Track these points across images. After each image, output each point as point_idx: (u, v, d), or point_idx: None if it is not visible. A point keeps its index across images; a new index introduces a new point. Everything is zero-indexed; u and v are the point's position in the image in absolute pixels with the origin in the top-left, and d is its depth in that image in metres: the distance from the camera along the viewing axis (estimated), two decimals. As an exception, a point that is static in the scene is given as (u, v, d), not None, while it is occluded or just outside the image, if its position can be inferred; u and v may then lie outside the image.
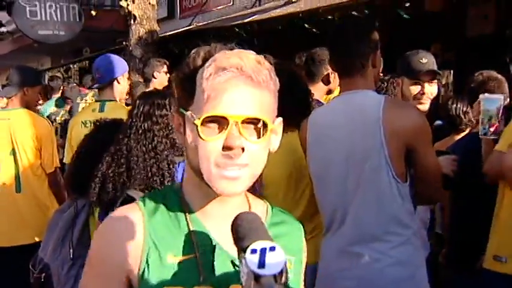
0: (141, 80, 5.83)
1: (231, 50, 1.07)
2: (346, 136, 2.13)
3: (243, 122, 1.02)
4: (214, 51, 1.07)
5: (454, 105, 3.50)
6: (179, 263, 1.08)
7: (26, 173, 3.75)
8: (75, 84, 8.48)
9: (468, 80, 3.28)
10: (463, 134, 3.45)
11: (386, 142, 2.02)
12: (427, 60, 2.75)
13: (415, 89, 2.78)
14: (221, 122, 1.03)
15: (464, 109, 3.47)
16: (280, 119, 1.13)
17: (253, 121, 1.04)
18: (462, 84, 3.41)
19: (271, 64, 1.08)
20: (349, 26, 2.36)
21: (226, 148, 1.01)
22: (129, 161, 2.12)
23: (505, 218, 2.49)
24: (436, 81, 2.81)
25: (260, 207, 1.21)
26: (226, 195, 1.06)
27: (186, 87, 1.08)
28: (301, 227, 1.26)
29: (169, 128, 2.17)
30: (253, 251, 0.90)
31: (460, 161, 2.72)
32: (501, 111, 2.54)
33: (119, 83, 3.87)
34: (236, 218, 0.99)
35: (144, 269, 1.07)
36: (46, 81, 8.62)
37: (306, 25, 6.24)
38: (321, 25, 5.98)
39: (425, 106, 2.78)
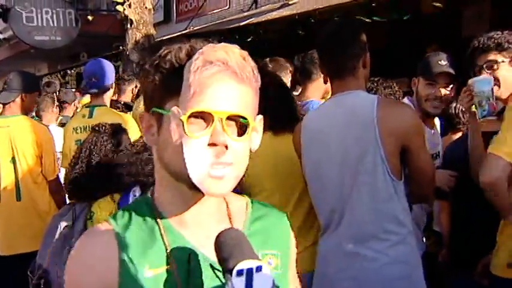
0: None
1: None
2: (340, 137, 2.13)
3: (227, 118, 0.99)
4: (196, 45, 1.04)
5: (454, 104, 3.48)
6: (156, 275, 1.04)
7: (26, 181, 3.72)
8: (70, 89, 8.45)
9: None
10: (460, 134, 3.45)
11: (381, 141, 2.03)
12: (446, 62, 2.74)
13: (428, 90, 2.77)
14: (206, 118, 1.00)
15: (463, 108, 3.45)
16: (261, 116, 1.09)
17: (236, 118, 1.01)
18: (460, 84, 3.40)
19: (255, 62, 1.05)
20: (339, 28, 2.35)
21: (211, 145, 0.98)
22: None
23: None
24: (452, 85, 2.77)
25: (238, 204, 1.18)
26: (212, 195, 1.02)
27: (168, 83, 1.03)
28: (286, 218, 1.23)
29: None
30: (239, 272, 0.87)
31: (458, 161, 2.72)
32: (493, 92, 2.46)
33: (112, 88, 3.92)
34: (219, 235, 0.96)
35: (122, 286, 1.04)
36: (42, 87, 8.60)
37: (301, 28, 6.25)
38: (318, 27, 5.98)
39: (436, 110, 2.79)
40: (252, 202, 1.20)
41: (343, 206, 2.14)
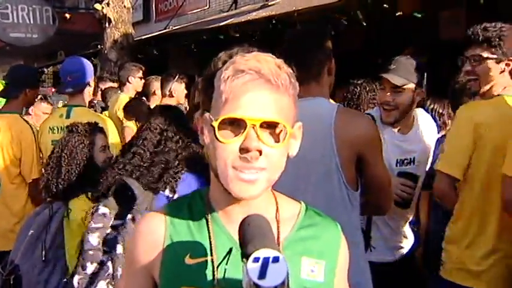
0: (113, 85, 5.78)
1: (250, 52, 1.07)
2: None
3: (261, 125, 1.01)
4: (234, 54, 1.08)
5: (432, 106, 3.50)
6: (195, 264, 1.09)
7: (3, 181, 3.62)
8: (44, 88, 8.33)
9: (451, 83, 3.24)
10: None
11: (337, 149, 2.01)
12: (395, 66, 2.63)
13: (380, 95, 2.71)
14: (239, 124, 1.02)
15: (440, 111, 3.47)
16: (300, 123, 1.12)
17: (272, 125, 1.03)
18: (435, 87, 3.45)
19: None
20: (305, 34, 2.32)
21: (243, 150, 1.00)
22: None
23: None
24: (403, 90, 2.60)
25: (290, 209, 1.19)
26: (242, 198, 1.04)
27: (208, 90, 1.08)
28: (339, 230, 1.22)
29: (181, 143, 2.18)
30: (256, 260, 0.88)
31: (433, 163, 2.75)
32: None
33: (90, 86, 3.84)
34: (243, 221, 0.98)
35: (163, 269, 1.11)
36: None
37: (282, 27, 6.27)
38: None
39: (389, 116, 2.65)
40: (306, 209, 1.21)
41: None
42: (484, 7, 4.71)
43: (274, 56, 1.06)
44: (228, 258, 1.08)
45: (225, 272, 1.08)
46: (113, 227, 2.02)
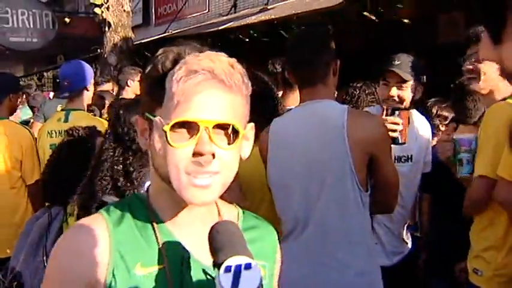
0: (109, 86, 5.76)
1: (201, 52, 1.02)
2: (308, 146, 2.12)
3: (214, 127, 0.97)
4: (184, 54, 1.02)
5: (434, 109, 3.46)
6: (148, 274, 1.03)
7: (3, 186, 3.63)
8: (39, 92, 8.31)
9: (453, 84, 3.22)
10: (436, 139, 3.49)
11: (350, 150, 2.03)
12: (400, 62, 2.64)
13: (383, 91, 2.72)
14: (191, 127, 0.97)
15: (445, 114, 3.45)
16: (252, 124, 1.08)
17: (224, 126, 0.99)
18: (434, 90, 3.45)
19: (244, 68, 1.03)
20: (310, 36, 2.32)
21: (196, 154, 0.96)
22: (112, 168, 2.11)
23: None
24: (407, 86, 2.64)
25: (230, 212, 1.17)
26: (196, 205, 1.01)
27: (154, 91, 1.02)
28: (274, 230, 1.23)
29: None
30: (227, 269, 0.86)
31: (436, 166, 2.75)
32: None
33: (88, 90, 3.84)
34: (212, 228, 0.95)
35: (111, 281, 1.02)
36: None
37: (282, 32, 6.28)
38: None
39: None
40: (243, 212, 1.20)
41: (309, 213, 2.12)
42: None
43: (226, 55, 1.01)
44: (183, 266, 1.04)
45: (181, 280, 1.03)
46: None
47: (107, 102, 5.42)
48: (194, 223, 1.07)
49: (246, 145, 1.07)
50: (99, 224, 1.06)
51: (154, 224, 1.07)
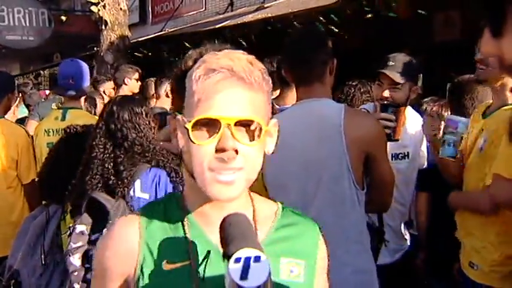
0: (110, 84, 5.76)
1: (221, 51, 1.03)
2: (305, 144, 2.12)
3: (236, 124, 0.98)
4: (205, 53, 1.04)
5: (429, 107, 3.47)
6: (174, 270, 1.06)
7: (1, 186, 3.59)
8: (35, 91, 8.29)
9: (451, 83, 3.20)
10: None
11: (347, 149, 2.04)
12: (394, 63, 2.63)
13: (377, 91, 2.72)
14: (213, 124, 0.99)
15: (442, 112, 3.46)
16: (275, 120, 1.09)
17: (247, 123, 1.00)
18: (430, 88, 3.47)
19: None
20: (307, 34, 2.34)
21: (219, 150, 0.97)
22: (103, 165, 2.12)
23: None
24: (400, 87, 2.61)
25: (268, 210, 1.17)
26: (220, 201, 1.02)
27: (178, 90, 1.05)
28: (317, 228, 1.20)
29: (143, 133, 2.19)
30: (237, 260, 0.86)
31: (434, 166, 2.75)
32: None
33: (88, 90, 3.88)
34: (223, 220, 0.95)
35: (140, 276, 1.07)
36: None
37: (278, 29, 6.29)
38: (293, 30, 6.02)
39: None
40: (283, 209, 1.19)
41: (306, 212, 2.13)
42: (478, 9, 4.74)
43: (245, 53, 1.03)
44: (207, 262, 1.06)
45: (204, 276, 1.05)
46: (91, 242, 2.01)
47: (98, 102, 5.43)
48: None
49: (269, 141, 1.08)
50: (133, 221, 1.12)
51: (186, 221, 1.10)
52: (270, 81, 1.05)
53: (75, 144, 2.59)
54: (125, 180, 2.08)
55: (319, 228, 1.21)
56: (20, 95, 6.62)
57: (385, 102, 2.57)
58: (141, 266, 1.07)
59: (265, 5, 8.10)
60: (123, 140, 2.16)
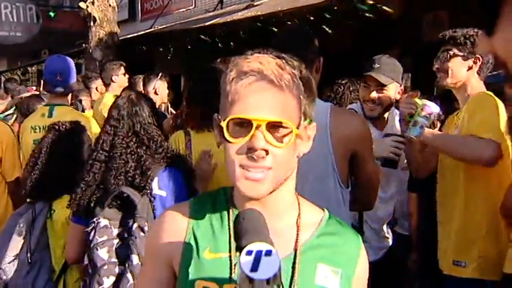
0: (99, 85, 5.73)
1: (252, 54, 1.09)
2: None
3: (267, 125, 1.04)
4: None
5: None
6: (214, 259, 1.11)
7: None
8: (23, 87, 8.22)
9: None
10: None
11: (333, 148, 2.05)
12: (379, 65, 2.70)
13: (363, 92, 2.78)
14: (246, 124, 1.04)
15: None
16: (314, 124, 1.15)
17: (277, 125, 1.05)
18: (419, 87, 3.48)
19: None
20: (295, 33, 2.35)
21: (249, 149, 1.04)
22: (127, 163, 2.12)
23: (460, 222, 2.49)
24: (386, 88, 2.71)
25: (313, 216, 1.20)
26: (249, 196, 1.07)
27: (217, 92, 1.13)
28: (359, 241, 1.22)
29: (152, 133, 2.20)
30: (249, 253, 0.90)
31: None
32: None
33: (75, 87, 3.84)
34: (238, 215, 1.00)
35: (182, 261, 1.13)
36: (2, 84, 8.37)
37: (267, 27, 6.28)
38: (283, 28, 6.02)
39: (372, 113, 2.75)
40: (329, 217, 1.22)
41: None
42: (466, 10, 4.78)
43: (275, 57, 1.08)
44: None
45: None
46: (120, 237, 2.01)
47: (84, 101, 5.40)
48: (269, 216, 1.05)
49: (300, 143, 1.13)
50: (183, 209, 1.19)
51: (231, 213, 1.16)
52: (301, 85, 1.09)
53: (64, 141, 2.56)
54: (149, 179, 2.09)
55: (362, 241, 1.23)
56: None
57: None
58: (185, 251, 1.13)
59: (255, 3, 8.09)
60: (149, 141, 2.18)
